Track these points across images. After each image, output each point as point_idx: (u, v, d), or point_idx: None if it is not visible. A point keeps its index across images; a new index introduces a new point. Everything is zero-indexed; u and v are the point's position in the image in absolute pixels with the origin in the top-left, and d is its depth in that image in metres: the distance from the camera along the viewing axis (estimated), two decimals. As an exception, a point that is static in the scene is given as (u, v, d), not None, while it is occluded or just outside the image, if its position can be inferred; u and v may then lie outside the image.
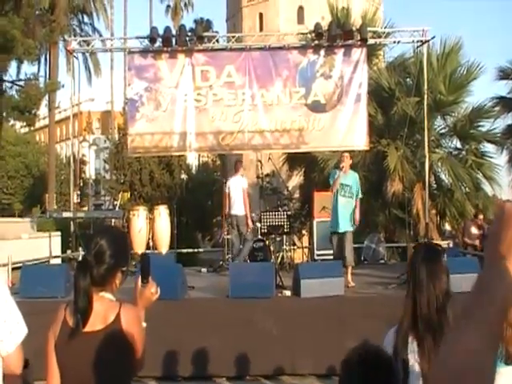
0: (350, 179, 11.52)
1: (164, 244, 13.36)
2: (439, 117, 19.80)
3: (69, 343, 2.98)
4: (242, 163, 14.38)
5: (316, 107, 15.00)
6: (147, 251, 12.26)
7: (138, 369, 3.17)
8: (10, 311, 2.99)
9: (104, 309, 3.03)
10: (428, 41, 15.16)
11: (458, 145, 19.98)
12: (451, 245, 15.93)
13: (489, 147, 19.89)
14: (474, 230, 15.82)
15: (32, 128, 43.65)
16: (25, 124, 35.45)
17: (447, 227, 21.09)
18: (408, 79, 19.73)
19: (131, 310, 3.10)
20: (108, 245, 3.09)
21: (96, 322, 3.00)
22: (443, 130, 20.18)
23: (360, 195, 11.66)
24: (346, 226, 11.37)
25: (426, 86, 15.20)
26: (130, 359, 3.05)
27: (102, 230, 3.75)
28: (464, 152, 19.58)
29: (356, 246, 12.53)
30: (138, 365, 3.13)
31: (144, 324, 3.18)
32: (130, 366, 3.08)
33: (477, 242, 15.48)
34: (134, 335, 3.04)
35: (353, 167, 12.59)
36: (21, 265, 11.16)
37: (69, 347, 2.98)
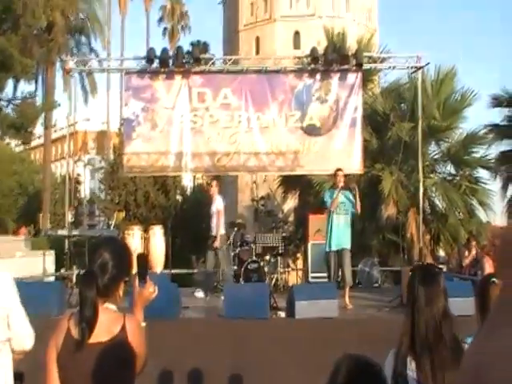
0: (343, 197, 11.59)
1: (159, 263, 13.37)
2: (433, 142, 19.88)
3: (73, 354, 2.98)
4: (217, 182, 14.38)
5: (311, 130, 15.09)
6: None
7: (141, 372, 3.20)
8: (23, 314, 3.14)
9: (108, 320, 3.06)
10: (422, 67, 15.32)
11: (452, 170, 20.05)
12: (445, 269, 15.97)
13: (483, 173, 19.97)
14: (467, 254, 15.93)
15: (27, 146, 43.64)
16: (20, 142, 35.46)
17: (441, 253, 21.10)
18: (403, 104, 19.85)
19: (134, 320, 3.15)
20: (111, 255, 3.14)
21: (101, 334, 3.01)
22: (437, 156, 20.26)
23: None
24: (342, 243, 11.37)
25: (420, 112, 15.31)
26: (134, 367, 3.09)
27: (104, 241, 3.75)
28: (458, 177, 19.63)
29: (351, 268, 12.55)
30: (141, 370, 3.17)
31: (143, 324, 3.24)
32: (134, 374, 3.12)
33: (467, 265, 15.56)
34: (138, 344, 3.08)
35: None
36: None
37: (73, 358, 2.98)
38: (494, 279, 3.77)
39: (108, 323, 3.04)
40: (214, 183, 13.73)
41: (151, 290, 3.26)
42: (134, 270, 3.32)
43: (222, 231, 12.98)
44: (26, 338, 3.24)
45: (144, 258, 3.43)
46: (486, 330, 1.33)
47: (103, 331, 3.01)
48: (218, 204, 13.07)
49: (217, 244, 12.74)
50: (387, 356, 3.43)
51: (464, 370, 1.33)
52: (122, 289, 3.22)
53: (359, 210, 11.75)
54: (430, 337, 3.29)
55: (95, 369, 2.96)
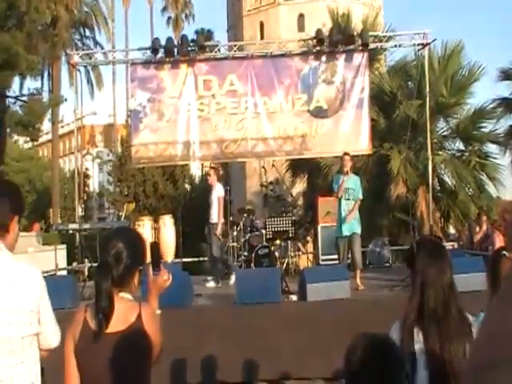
0: (352, 182, 11.51)
1: (170, 253, 13.41)
2: (442, 119, 19.81)
3: (91, 345, 3.01)
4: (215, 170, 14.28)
5: (318, 113, 15.03)
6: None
7: (157, 360, 3.23)
8: (51, 311, 3.22)
9: (124, 309, 3.08)
10: (429, 43, 15.16)
11: (461, 146, 20.00)
12: (456, 246, 15.94)
13: (492, 148, 19.92)
14: (477, 230, 15.89)
15: (35, 143, 43.77)
16: (28, 139, 35.54)
17: (452, 230, 21.04)
18: (410, 82, 19.75)
19: (149, 308, 3.18)
20: (125, 245, 3.15)
21: (117, 323, 3.04)
22: (446, 132, 20.19)
23: (360, 197, 11.57)
24: (351, 228, 11.35)
25: (427, 89, 15.20)
26: (151, 355, 3.12)
27: (117, 231, 3.80)
28: (467, 153, 19.57)
29: (361, 250, 12.53)
30: (156, 358, 3.20)
31: (158, 311, 3.27)
32: (150, 361, 3.14)
33: (478, 240, 15.53)
34: (154, 332, 3.10)
35: (356, 171, 12.58)
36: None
37: (91, 349, 3.01)
38: (505, 253, 3.77)
39: (124, 312, 3.06)
40: (212, 172, 13.63)
41: (165, 278, 3.28)
42: (148, 259, 3.33)
43: (223, 219, 12.94)
44: (53, 336, 3.24)
45: (157, 247, 3.45)
46: (497, 304, 1.31)
47: (119, 320, 3.04)
48: (218, 191, 12.97)
49: (218, 231, 12.72)
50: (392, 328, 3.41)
51: (478, 344, 1.31)
52: (137, 278, 3.24)
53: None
54: (438, 310, 3.29)
55: (113, 358, 2.98)
